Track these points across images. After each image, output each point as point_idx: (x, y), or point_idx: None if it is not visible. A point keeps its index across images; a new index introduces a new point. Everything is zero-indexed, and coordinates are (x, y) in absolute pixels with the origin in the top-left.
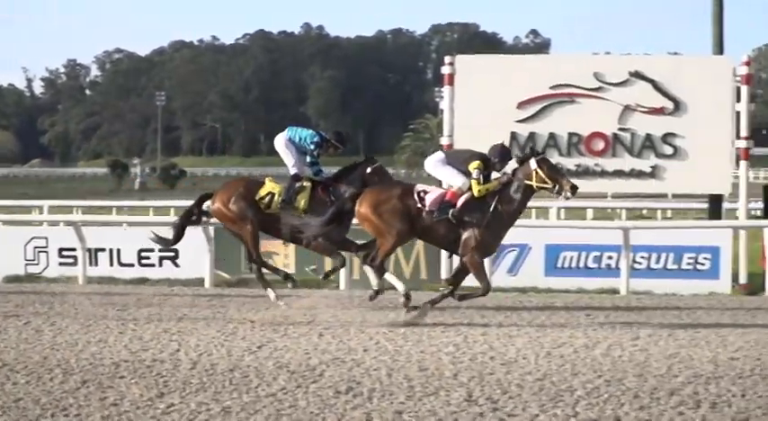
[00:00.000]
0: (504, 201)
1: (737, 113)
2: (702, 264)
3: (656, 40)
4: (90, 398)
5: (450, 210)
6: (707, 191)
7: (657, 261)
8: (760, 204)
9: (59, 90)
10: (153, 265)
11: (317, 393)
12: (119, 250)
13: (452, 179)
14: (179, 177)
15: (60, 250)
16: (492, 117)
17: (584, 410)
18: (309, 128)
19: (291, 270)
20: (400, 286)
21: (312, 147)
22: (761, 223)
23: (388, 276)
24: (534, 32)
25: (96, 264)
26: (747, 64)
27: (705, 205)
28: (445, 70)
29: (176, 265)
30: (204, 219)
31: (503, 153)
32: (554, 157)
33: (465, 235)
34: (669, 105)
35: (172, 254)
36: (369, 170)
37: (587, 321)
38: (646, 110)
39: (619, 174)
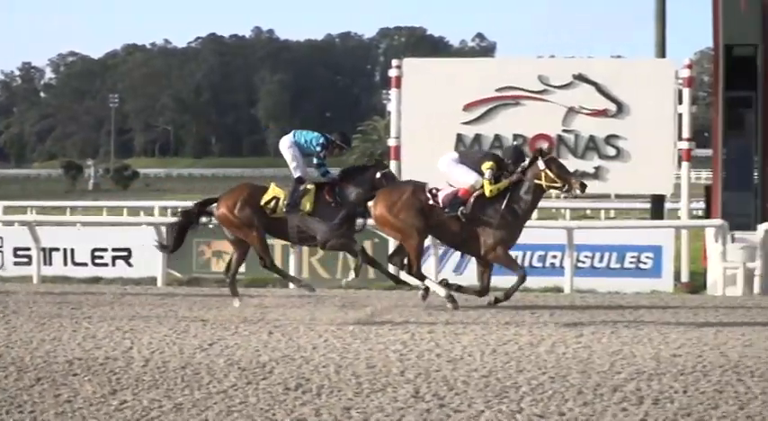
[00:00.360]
0: (515, 200)
1: (680, 115)
2: (645, 263)
3: (600, 44)
4: (44, 396)
5: (461, 208)
6: (649, 191)
7: (601, 260)
8: (701, 204)
9: (14, 92)
10: (106, 265)
11: (267, 390)
12: (72, 250)
13: (465, 177)
14: (132, 178)
15: (15, 250)
16: (438, 119)
17: (528, 406)
18: (313, 130)
19: (243, 269)
20: (442, 292)
21: (318, 148)
22: (702, 223)
23: (429, 283)
24: (480, 36)
25: (51, 264)
26: (689, 67)
27: (648, 205)
28: (392, 73)
29: (129, 265)
30: (204, 220)
31: (516, 154)
32: None
33: (482, 235)
34: (612, 107)
35: (125, 253)
36: (378, 175)
37: (532, 319)
38: (589, 112)
39: None
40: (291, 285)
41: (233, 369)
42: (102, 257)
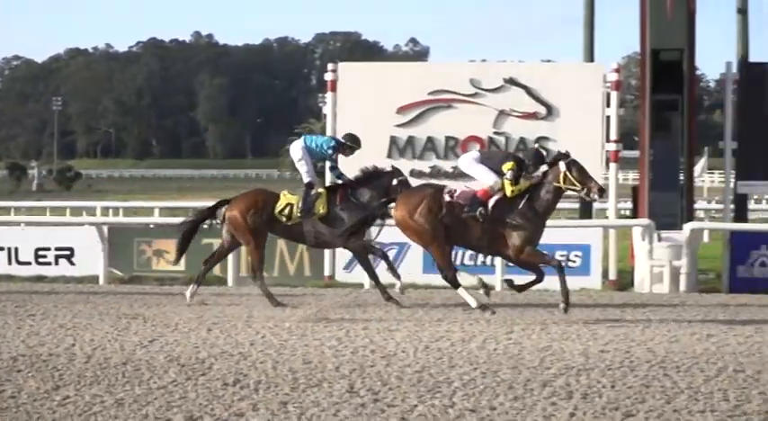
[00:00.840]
0: (535, 201)
1: (608, 118)
2: (574, 262)
3: (531, 48)
4: None
5: (480, 208)
6: None
7: None
8: (629, 204)
9: None
10: (49, 263)
11: (206, 385)
12: (16, 249)
13: (485, 177)
14: (75, 179)
15: None
16: (372, 121)
17: (460, 401)
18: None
19: (182, 267)
20: (473, 302)
21: (330, 152)
22: (629, 222)
23: (460, 291)
24: (414, 41)
25: None
26: (617, 71)
27: (576, 205)
28: (328, 77)
29: (72, 263)
30: (215, 222)
31: (537, 156)
32: (432, 160)
33: (508, 237)
34: (542, 110)
35: (67, 253)
36: (395, 182)
37: (464, 316)
38: (519, 114)
39: None
40: (230, 283)
41: (173, 365)
42: (45, 256)
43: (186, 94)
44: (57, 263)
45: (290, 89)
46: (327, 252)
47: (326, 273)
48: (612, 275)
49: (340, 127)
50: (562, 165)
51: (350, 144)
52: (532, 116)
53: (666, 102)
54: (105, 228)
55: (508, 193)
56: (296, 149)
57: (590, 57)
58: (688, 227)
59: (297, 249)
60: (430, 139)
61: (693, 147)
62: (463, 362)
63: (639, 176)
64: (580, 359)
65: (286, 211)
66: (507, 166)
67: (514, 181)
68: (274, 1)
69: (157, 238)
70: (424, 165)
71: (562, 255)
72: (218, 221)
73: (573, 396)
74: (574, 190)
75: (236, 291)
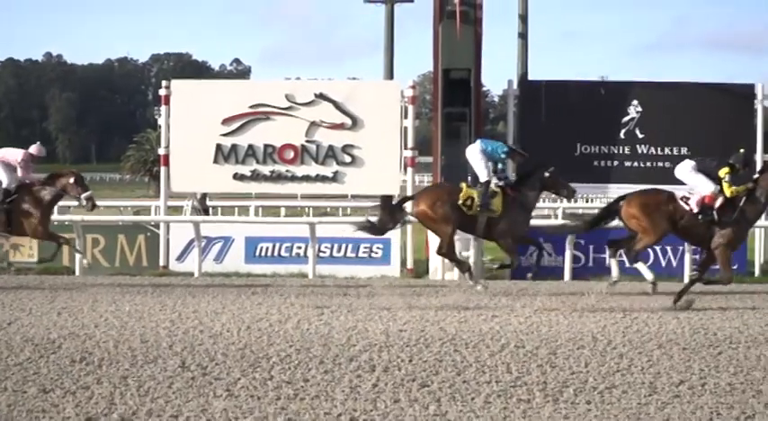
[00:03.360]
0: (751, 203)
1: (405, 128)
2: (376, 253)
3: (340, 68)
4: None
5: (711, 212)
6: (379, 192)
7: (339, 250)
8: None
9: None
10: None
11: (57, 362)
12: None
13: (705, 185)
14: None
15: None
16: (201, 131)
17: (278, 374)
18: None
19: (35, 258)
20: (649, 275)
21: (503, 156)
22: None
23: (639, 266)
24: (237, 61)
25: None
26: (413, 87)
27: (378, 204)
28: (162, 92)
29: None
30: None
31: (745, 160)
32: (252, 165)
33: (720, 232)
34: (348, 122)
35: None
36: (547, 174)
37: (281, 301)
38: (329, 125)
39: (306, 178)
40: (77, 273)
41: (28, 345)
42: None
43: (39, 107)
44: None
45: (130, 103)
46: (162, 244)
47: (161, 263)
48: (410, 264)
49: (173, 136)
50: None
51: (520, 151)
52: (340, 126)
53: (456, 114)
54: None
55: (728, 194)
56: (474, 151)
57: (390, 75)
58: None
59: (135, 241)
60: (251, 147)
61: None
62: (280, 341)
63: (433, 179)
64: (382, 337)
65: (468, 202)
66: (724, 171)
67: (732, 183)
68: (115, 26)
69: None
70: (245, 169)
71: (366, 247)
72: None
73: (375, 369)
74: None
75: (83, 280)
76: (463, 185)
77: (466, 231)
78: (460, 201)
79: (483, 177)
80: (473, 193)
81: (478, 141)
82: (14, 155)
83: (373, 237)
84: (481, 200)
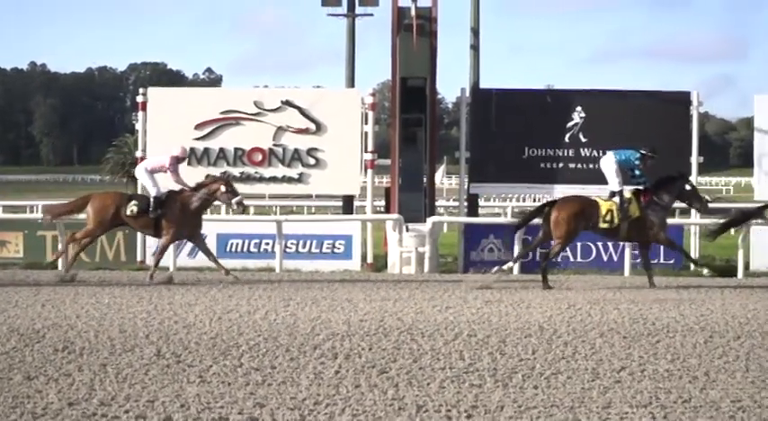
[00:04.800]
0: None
1: (365, 133)
2: (338, 249)
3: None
4: None
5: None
6: (342, 192)
7: (304, 246)
8: (383, 202)
9: None
10: None
11: (41, 351)
12: None
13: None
14: None
15: None
16: (175, 135)
17: (247, 362)
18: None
19: (20, 254)
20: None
21: (637, 162)
22: (383, 217)
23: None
24: (209, 70)
25: None
26: (373, 95)
27: (341, 203)
28: (139, 99)
29: None
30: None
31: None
32: (223, 167)
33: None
34: (312, 127)
35: None
36: (688, 187)
37: (250, 293)
38: (294, 130)
39: (274, 179)
40: (60, 267)
41: (13, 334)
42: None
43: (24, 112)
44: None
45: (109, 109)
46: (139, 240)
47: (139, 258)
48: (370, 259)
49: (149, 140)
50: None
51: (650, 155)
52: (305, 131)
53: (413, 120)
54: None
55: (631, 213)
56: (609, 163)
57: (351, 83)
58: (430, 220)
59: (114, 238)
60: (222, 150)
61: (435, 156)
62: (249, 330)
63: (391, 180)
64: (344, 327)
65: (608, 217)
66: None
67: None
68: (96, 36)
69: (1, 231)
70: (217, 171)
71: (329, 243)
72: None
73: (338, 357)
74: None
75: (58, 275)
76: (598, 199)
77: (606, 237)
78: (601, 216)
79: (615, 187)
80: (612, 207)
81: (611, 153)
82: (161, 162)
83: (332, 234)
84: (620, 213)
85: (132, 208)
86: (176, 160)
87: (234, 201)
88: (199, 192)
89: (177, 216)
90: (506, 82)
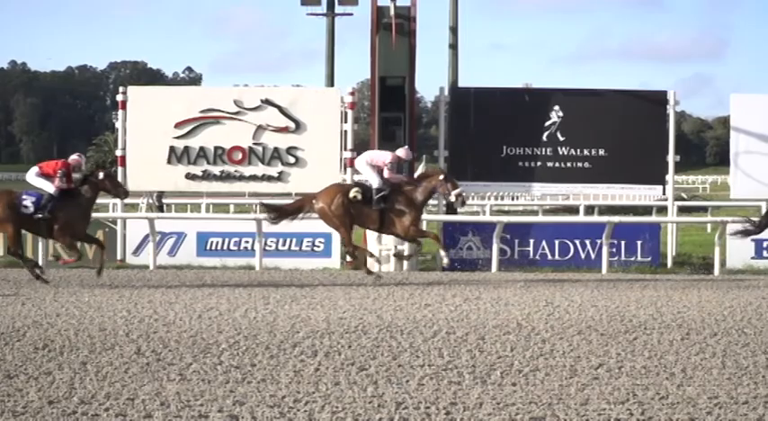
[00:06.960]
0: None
1: (345, 131)
2: (318, 247)
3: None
4: None
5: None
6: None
7: (284, 244)
8: None
9: None
10: None
11: (21, 349)
12: None
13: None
14: None
15: None
16: (155, 134)
17: (227, 359)
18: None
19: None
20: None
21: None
22: None
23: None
24: (189, 69)
25: None
26: (352, 94)
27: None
28: (119, 98)
29: None
30: None
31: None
32: (203, 166)
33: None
34: (292, 125)
35: None
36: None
37: (230, 291)
38: (274, 129)
39: (254, 178)
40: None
41: None
42: None
43: (4, 110)
44: None
45: (89, 107)
46: (119, 239)
47: (118, 256)
48: (349, 257)
49: (129, 138)
50: None
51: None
52: (284, 130)
53: (392, 118)
54: None
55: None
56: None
57: (331, 82)
58: None
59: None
60: (202, 149)
61: (414, 155)
62: (229, 328)
63: None
64: (323, 324)
65: None
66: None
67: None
68: (76, 36)
69: None
70: (197, 170)
71: (309, 241)
72: None
73: (317, 354)
74: None
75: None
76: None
77: None
78: None
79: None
80: None
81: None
82: (382, 157)
83: (312, 232)
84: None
85: (356, 195)
86: (397, 159)
87: (454, 192)
88: (419, 185)
89: (403, 209)
90: (485, 81)
